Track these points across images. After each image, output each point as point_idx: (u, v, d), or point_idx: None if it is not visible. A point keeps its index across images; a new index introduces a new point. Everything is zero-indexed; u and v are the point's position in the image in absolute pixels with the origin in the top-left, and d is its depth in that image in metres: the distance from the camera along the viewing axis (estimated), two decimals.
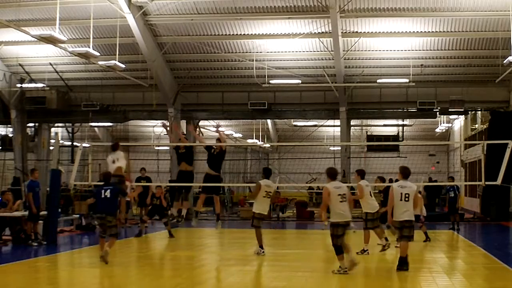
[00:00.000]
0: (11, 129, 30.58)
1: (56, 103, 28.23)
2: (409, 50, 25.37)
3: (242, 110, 28.91)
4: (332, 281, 10.60)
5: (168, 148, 32.93)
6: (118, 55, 22.77)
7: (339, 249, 10.77)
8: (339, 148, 31.37)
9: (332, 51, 24.84)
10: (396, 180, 16.46)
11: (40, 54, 27.25)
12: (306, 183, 35.90)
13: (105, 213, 12.33)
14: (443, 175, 39.43)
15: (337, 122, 29.34)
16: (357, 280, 11.03)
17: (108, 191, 12.39)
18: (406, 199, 11.06)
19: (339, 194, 10.79)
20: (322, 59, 26.37)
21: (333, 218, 10.81)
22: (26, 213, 15.95)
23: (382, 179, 16.28)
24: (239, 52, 26.25)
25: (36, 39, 20.41)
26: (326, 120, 31.47)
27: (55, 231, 16.00)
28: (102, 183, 12.92)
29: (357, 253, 13.66)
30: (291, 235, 21.22)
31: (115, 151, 14.83)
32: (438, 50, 25.32)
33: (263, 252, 13.34)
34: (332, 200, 10.78)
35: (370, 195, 14.10)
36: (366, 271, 11.94)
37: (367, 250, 13.69)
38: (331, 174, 11.16)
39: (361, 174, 14.38)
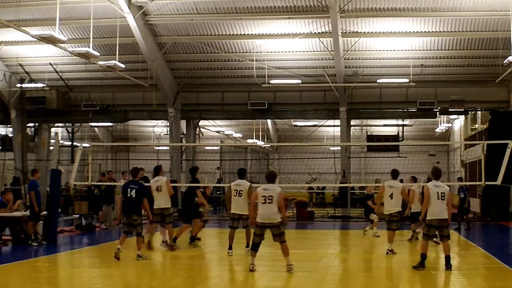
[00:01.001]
0: (11, 129, 30.58)
1: (56, 103, 28.25)
2: (409, 50, 25.38)
3: (242, 110, 28.93)
4: (331, 281, 10.61)
5: (168, 148, 32.91)
6: (118, 55, 22.81)
7: (255, 246, 11.14)
8: (339, 148, 31.36)
9: (332, 51, 24.85)
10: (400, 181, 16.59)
11: (40, 54, 27.28)
12: (306, 183, 35.90)
13: (130, 212, 12.60)
14: (443, 175, 39.36)
15: (337, 122, 29.35)
16: (357, 279, 11.03)
17: (134, 190, 12.58)
18: (443, 198, 11.31)
19: (263, 196, 11.06)
20: (322, 59, 26.38)
21: (257, 218, 11.11)
22: (26, 213, 15.95)
23: (415, 179, 16.39)
24: (239, 52, 26.25)
25: (36, 39, 20.43)
26: (326, 120, 31.46)
27: (55, 231, 15.99)
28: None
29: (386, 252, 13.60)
30: (291, 235, 21.04)
31: (157, 175, 14.13)
32: (438, 50, 25.33)
33: (230, 253, 13.35)
34: (258, 201, 11.18)
35: (391, 196, 13.80)
36: (366, 271, 11.94)
37: (392, 249, 13.59)
38: (267, 177, 11.67)
39: (392, 174, 14.33)
